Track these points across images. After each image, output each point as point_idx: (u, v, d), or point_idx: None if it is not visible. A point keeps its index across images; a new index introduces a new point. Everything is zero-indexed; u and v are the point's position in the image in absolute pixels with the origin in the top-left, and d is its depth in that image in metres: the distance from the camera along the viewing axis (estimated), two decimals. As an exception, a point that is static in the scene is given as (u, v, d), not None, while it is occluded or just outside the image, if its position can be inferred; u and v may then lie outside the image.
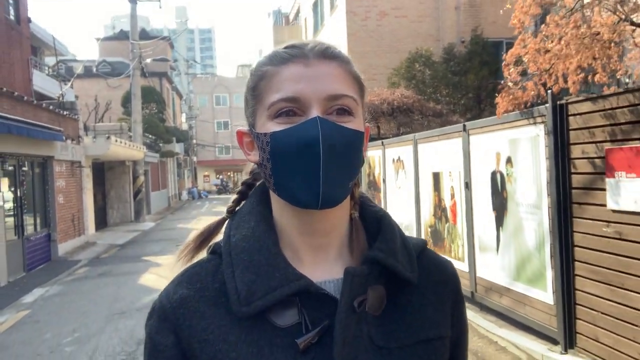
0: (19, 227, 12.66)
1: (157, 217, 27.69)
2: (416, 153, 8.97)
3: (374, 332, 0.92)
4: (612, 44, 5.24)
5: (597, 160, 4.82)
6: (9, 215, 12.21)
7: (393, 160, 10.28)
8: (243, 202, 1.05)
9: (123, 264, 13.51)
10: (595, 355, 4.87)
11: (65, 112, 16.41)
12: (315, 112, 0.88)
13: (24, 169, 13.16)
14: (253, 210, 0.99)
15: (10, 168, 12.50)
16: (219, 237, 1.02)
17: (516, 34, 5.39)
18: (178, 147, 42.61)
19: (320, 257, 0.97)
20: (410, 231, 9.02)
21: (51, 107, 15.27)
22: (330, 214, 0.94)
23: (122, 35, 39.21)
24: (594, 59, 5.23)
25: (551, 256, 5.43)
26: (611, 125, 4.64)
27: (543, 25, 5.05)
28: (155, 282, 10.70)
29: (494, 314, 6.62)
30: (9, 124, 10.88)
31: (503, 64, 5.60)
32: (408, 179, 9.47)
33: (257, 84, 0.95)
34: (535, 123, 5.63)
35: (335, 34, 19.89)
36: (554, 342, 5.43)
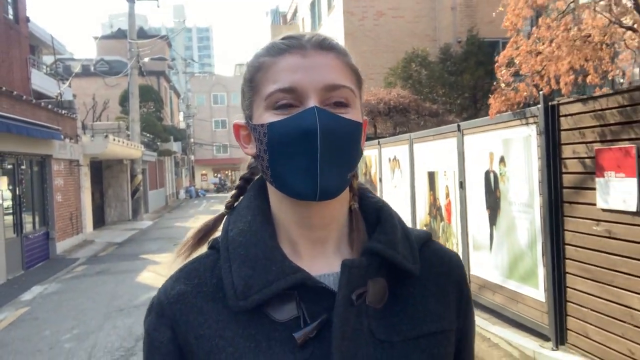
0: (18, 226, 12.74)
1: (154, 216, 27.76)
2: (412, 152, 9.07)
3: (375, 326, 0.91)
4: (604, 46, 5.34)
5: (587, 160, 4.92)
6: (8, 214, 12.29)
7: (389, 159, 10.37)
8: (242, 197, 1.04)
9: (121, 262, 13.59)
10: (585, 352, 4.97)
11: (63, 111, 16.49)
12: (312, 103, 0.87)
13: (22, 167, 13.22)
14: (250, 204, 0.98)
15: (9, 166, 12.58)
16: (219, 233, 1.01)
17: (509, 36, 5.48)
18: (176, 146, 42.65)
19: (318, 250, 0.96)
20: (405, 230, 9.09)
21: (49, 106, 15.34)
22: (329, 206, 0.93)
23: (119, 34, 39.25)
24: (586, 60, 5.33)
25: (543, 254, 5.53)
26: (601, 126, 4.74)
27: (534, 28, 5.15)
28: (153, 280, 10.78)
29: (488, 311, 6.72)
30: (8, 122, 10.96)
31: (496, 65, 5.69)
32: (404, 178, 9.57)
33: (254, 75, 0.94)
34: (527, 123, 5.73)
35: (332, 33, 19.59)
36: (546, 338, 5.53)
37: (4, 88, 12.27)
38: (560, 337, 5.30)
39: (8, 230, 12.12)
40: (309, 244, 0.96)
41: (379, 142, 11.12)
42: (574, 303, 5.15)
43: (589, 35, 5.04)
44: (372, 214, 1.00)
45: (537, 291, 5.66)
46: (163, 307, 0.95)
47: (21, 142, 12.41)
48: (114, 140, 19.32)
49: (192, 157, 61.01)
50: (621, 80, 7.66)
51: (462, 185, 7.28)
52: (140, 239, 18.58)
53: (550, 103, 5.34)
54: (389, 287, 0.94)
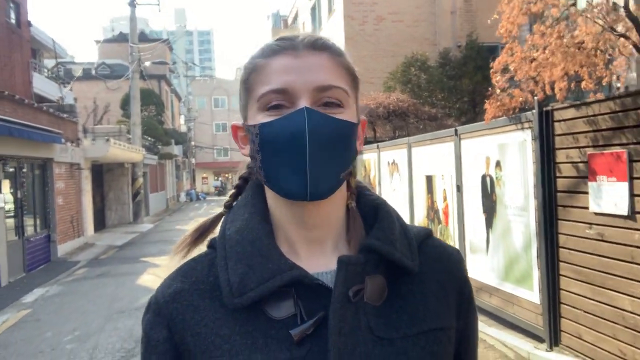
0: (19, 228, 12.83)
1: (155, 219, 27.84)
2: (410, 156, 9.16)
3: (373, 323, 0.90)
4: (598, 52, 5.43)
5: (580, 165, 5.01)
6: (10, 217, 12.39)
7: (388, 163, 10.47)
8: (240, 196, 1.04)
9: (122, 264, 13.68)
10: (579, 352, 5.06)
11: (64, 115, 16.60)
12: (303, 103, 0.87)
13: (24, 170, 13.33)
14: (248, 203, 0.99)
15: (11, 170, 12.67)
16: (217, 232, 1.01)
17: (504, 42, 5.58)
18: (177, 149, 42.78)
19: (316, 249, 0.96)
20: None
21: (51, 110, 15.44)
22: (324, 205, 0.93)
23: (121, 38, 39.45)
24: (581, 66, 5.42)
25: (537, 257, 5.61)
26: (593, 131, 4.83)
27: (528, 35, 5.25)
28: (153, 282, 10.85)
29: (484, 314, 6.79)
30: (10, 126, 11.06)
31: (491, 71, 5.79)
32: (402, 181, 9.66)
33: (249, 76, 0.95)
34: (522, 128, 5.82)
35: (332, 38, 19.99)
36: (540, 340, 5.61)
37: (6, 92, 12.38)
38: (554, 339, 5.38)
39: (10, 233, 12.21)
40: (306, 243, 0.96)
41: (378, 146, 11.21)
42: (567, 305, 5.23)
43: (583, 42, 5.13)
44: (370, 212, 1.00)
45: (532, 293, 5.74)
46: (160, 306, 0.95)
47: (23, 145, 12.51)
48: (115, 143, 19.42)
49: (193, 160, 61.14)
50: (618, 85, 7.76)
51: (459, 189, 7.37)
52: (141, 241, 18.67)
53: (544, 108, 5.43)
54: (388, 284, 0.94)
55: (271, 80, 0.90)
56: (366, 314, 0.90)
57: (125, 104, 30.21)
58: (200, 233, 1.04)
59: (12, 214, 12.55)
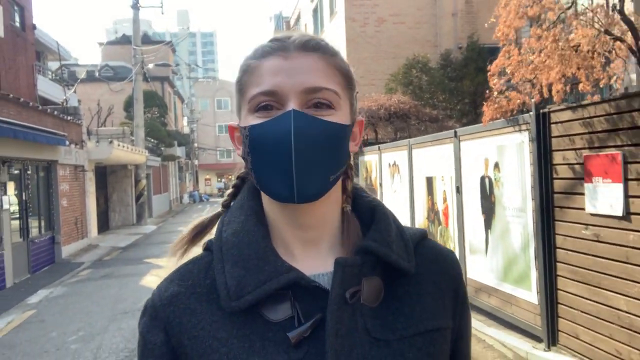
0: (24, 230, 12.95)
1: (158, 220, 27.97)
2: (410, 158, 9.23)
3: (370, 324, 0.90)
4: (595, 54, 5.49)
5: (576, 166, 5.08)
6: (15, 218, 12.50)
7: (389, 164, 10.54)
8: (237, 197, 1.04)
9: (125, 266, 13.78)
10: (576, 352, 5.12)
11: (68, 117, 16.73)
12: (292, 106, 0.87)
13: (28, 172, 13.45)
14: (244, 205, 0.98)
15: (16, 172, 12.79)
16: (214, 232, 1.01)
17: (501, 45, 5.65)
18: (179, 151, 42.91)
19: (311, 250, 0.96)
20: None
21: (55, 112, 15.58)
22: (318, 206, 0.92)
23: (124, 40, 39.62)
24: (578, 68, 5.48)
25: (535, 257, 5.68)
26: (589, 133, 4.90)
27: (524, 39, 5.32)
28: (156, 283, 10.60)
29: (484, 314, 6.86)
30: (15, 129, 11.17)
31: (489, 74, 5.86)
32: (403, 183, 9.73)
33: (242, 77, 0.95)
34: (520, 130, 5.89)
35: (334, 39, 20.09)
36: (539, 340, 5.67)
37: (11, 95, 12.51)
38: (551, 339, 5.44)
39: (15, 235, 12.32)
40: (302, 244, 0.96)
41: (379, 147, 11.28)
42: (564, 305, 5.30)
43: (579, 45, 5.19)
44: (366, 214, 1.00)
45: (530, 294, 5.81)
46: (156, 309, 0.95)
47: (28, 147, 12.63)
48: (119, 145, 19.54)
49: (196, 162, 61.28)
50: (617, 87, 7.80)
51: (459, 190, 7.44)
52: (144, 243, 18.78)
53: (541, 110, 5.50)
54: (385, 285, 0.94)
55: (261, 82, 0.90)
56: (363, 315, 0.90)
57: (128, 105, 30.35)
58: (198, 231, 1.04)
59: (17, 216, 12.67)
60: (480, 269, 6.93)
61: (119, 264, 14.15)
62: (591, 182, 4.82)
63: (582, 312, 5.03)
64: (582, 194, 4.95)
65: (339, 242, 0.97)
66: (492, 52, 16.69)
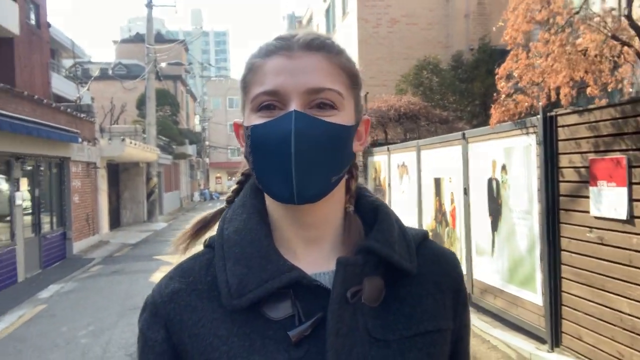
0: (36, 226, 13.11)
1: (169, 218, 28.15)
2: (419, 159, 9.28)
3: (371, 324, 0.90)
4: (603, 58, 5.51)
5: (582, 170, 5.11)
6: (27, 214, 12.66)
7: (398, 165, 10.59)
8: (240, 194, 1.03)
9: (135, 262, 13.92)
10: (578, 353, 5.15)
11: (82, 115, 16.90)
12: (294, 106, 0.87)
13: (41, 169, 13.61)
14: (246, 202, 0.98)
15: (29, 168, 12.95)
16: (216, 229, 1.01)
17: (509, 49, 5.69)
18: (191, 149, 43.12)
19: (314, 249, 0.95)
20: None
21: (69, 110, 15.74)
22: (318, 207, 0.92)
23: (138, 38, 39.87)
24: (585, 72, 5.51)
25: (540, 260, 5.71)
26: (595, 137, 4.93)
27: (531, 43, 5.36)
28: (166, 280, 11.01)
29: (489, 315, 6.89)
30: (29, 126, 11.32)
31: (496, 77, 5.90)
32: (411, 184, 9.78)
33: (246, 76, 0.94)
34: (527, 133, 5.93)
35: (346, 40, 20.18)
36: (543, 341, 5.70)
37: (25, 92, 12.67)
38: (555, 340, 5.48)
39: (27, 230, 12.49)
40: (304, 243, 0.95)
41: (388, 148, 11.34)
42: (568, 307, 5.33)
43: (586, 50, 5.22)
44: (369, 214, 1.00)
45: (535, 295, 5.84)
46: (157, 306, 0.95)
47: (41, 144, 12.78)
48: (131, 143, 19.69)
49: (207, 160, 61.51)
50: (630, 90, 7.80)
51: (466, 192, 7.47)
52: (155, 240, 18.93)
53: (548, 114, 5.54)
54: (386, 285, 0.93)
55: (264, 81, 0.89)
56: (364, 315, 0.90)
57: (141, 104, 30.56)
58: (202, 226, 1.05)
59: (29, 212, 12.82)
60: (486, 270, 6.96)
61: (129, 261, 14.29)
62: (596, 185, 4.85)
63: (585, 314, 5.06)
64: (587, 197, 4.99)
65: (341, 241, 0.96)
66: (504, 54, 16.66)
